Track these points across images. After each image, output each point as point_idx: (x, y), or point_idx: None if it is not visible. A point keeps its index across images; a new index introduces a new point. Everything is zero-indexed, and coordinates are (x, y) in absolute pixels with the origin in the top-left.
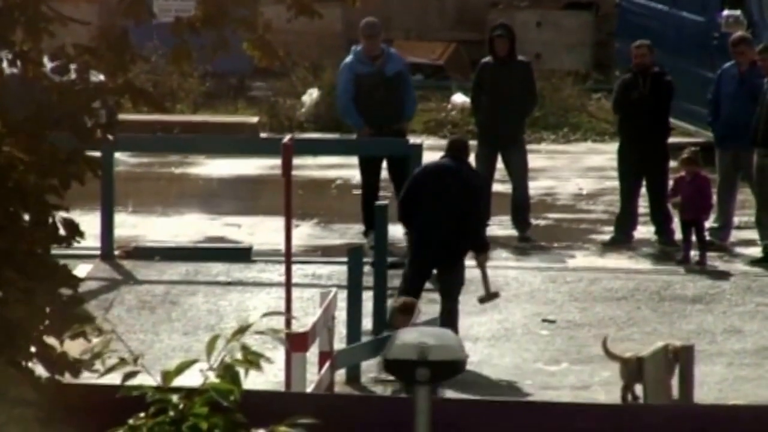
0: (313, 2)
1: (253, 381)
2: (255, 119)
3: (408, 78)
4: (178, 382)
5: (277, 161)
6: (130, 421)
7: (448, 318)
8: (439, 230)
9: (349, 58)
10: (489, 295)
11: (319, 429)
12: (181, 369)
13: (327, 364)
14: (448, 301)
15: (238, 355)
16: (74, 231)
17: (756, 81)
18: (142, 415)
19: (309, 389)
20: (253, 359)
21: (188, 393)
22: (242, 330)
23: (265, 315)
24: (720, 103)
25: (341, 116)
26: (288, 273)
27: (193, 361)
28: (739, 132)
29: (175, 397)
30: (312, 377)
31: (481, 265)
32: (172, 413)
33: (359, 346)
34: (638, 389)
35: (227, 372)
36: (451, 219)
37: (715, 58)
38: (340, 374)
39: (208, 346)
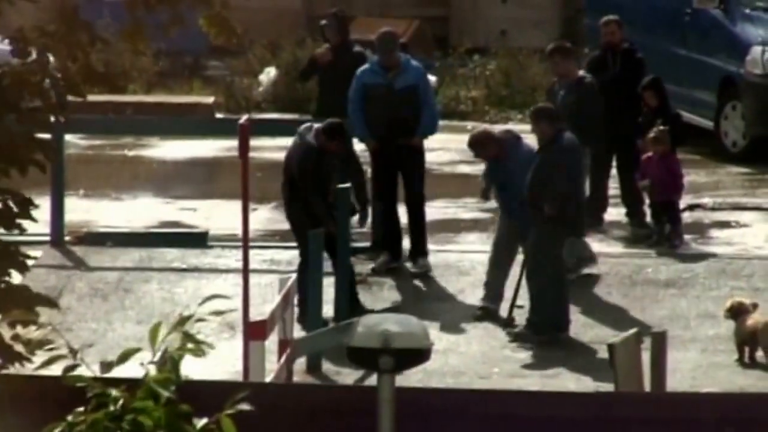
0: None
1: (211, 371)
2: (211, 99)
3: (426, 93)
4: (124, 371)
5: (234, 143)
6: (69, 418)
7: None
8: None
9: (364, 66)
10: None
11: (277, 420)
12: (123, 358)
13: (286, 353)
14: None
15: (178, 344)
16: (27, 209)
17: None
18: (81, 409)
19: (268, 379)
20: (194, 347)
21: (129, 385)
22: (183, 321)
23: (204, 301)
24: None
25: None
26: (245, 258)
27: (136, 350)
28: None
29: (114, 392)
30: (271, 366)
31: None
32: (112, 408)
33: (319, 333)
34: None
35: (167, 363)
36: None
37: (687, 34)
38: (300, 363)
39: (150, 334)
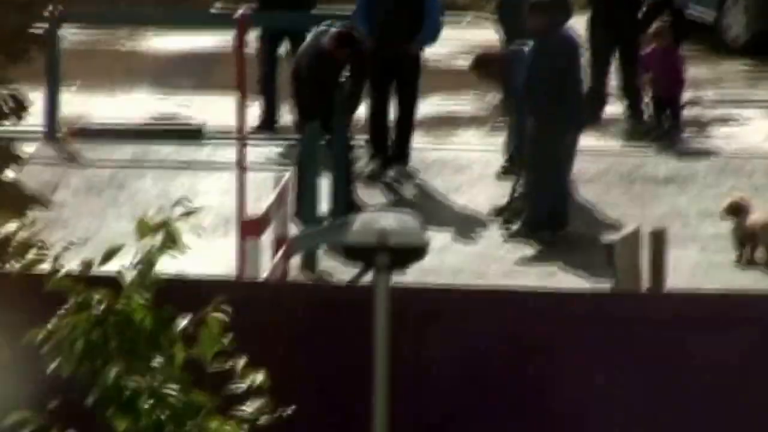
0: None
1: (207, 269)
2: None
3: (431, 2)
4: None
5: (231, 36)
6: (50, 326)
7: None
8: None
9: None
10: None
11: (272, 318)
12: (107, 257)
13: (281, 250)
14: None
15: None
16: (21, 105)
17: None
18: (63, 311)
19: (263, 276)
20: (174, 245)
21: (111, 286)
22: (163, 224)
23: (178, 203)
24: None
25: None
26: (241, 153)
27: (120, 248)
28: None
29: (97, 295)
30: (266, 263)
31: None
32: (95, 311)
33: (315, 230)
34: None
35: (145, 264)
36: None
37: None
38: (296, 260)
39: (137, 229)
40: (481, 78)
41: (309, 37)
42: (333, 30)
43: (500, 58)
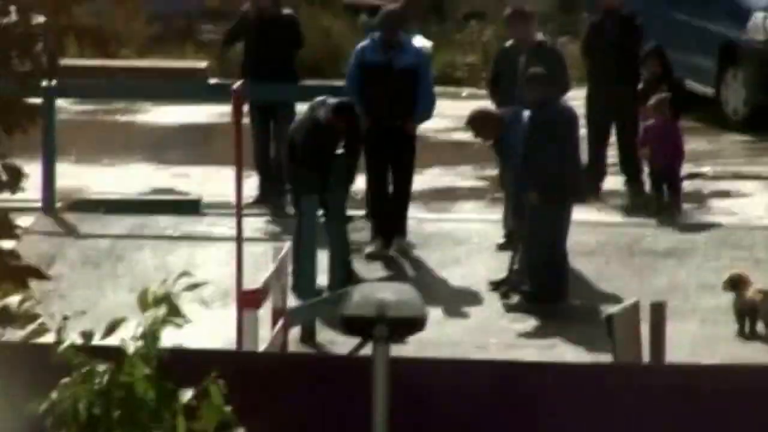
0: None
1: (205, 340)
2: (204, 64)
3: (425, 74)
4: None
5: (228, 108)
6: (54, 396)
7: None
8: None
9: (363, 43)
10: None
11: (271, 389)
12: (110, 329)
13: (280, 322)
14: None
15: (161, 316)
16: (17, 177)
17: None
18: (66, 380)
19: (261, 348)
20: (175, 319)
21: (115, 358)
22: (165, 297)
23: (183, 275)
24: None
25: None
26: (239, 226)
27: (122, 320)
28: None
29: (101, 367)
30: (265, 335)
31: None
32: (97, 382)
33: (314, 302)
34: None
35: (147, 337)
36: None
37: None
38: (295, 332)
39: (139, 300)
40: (477, 134)
41: (304, 113)
42: (330, 101)
43: (496, 116)
